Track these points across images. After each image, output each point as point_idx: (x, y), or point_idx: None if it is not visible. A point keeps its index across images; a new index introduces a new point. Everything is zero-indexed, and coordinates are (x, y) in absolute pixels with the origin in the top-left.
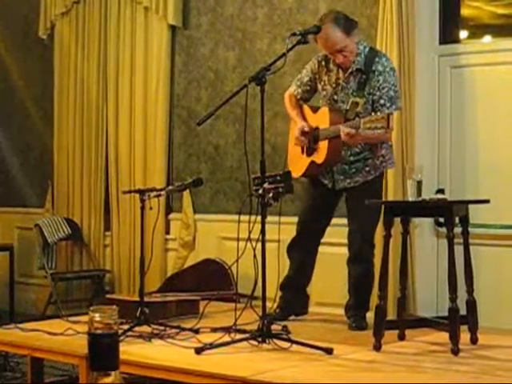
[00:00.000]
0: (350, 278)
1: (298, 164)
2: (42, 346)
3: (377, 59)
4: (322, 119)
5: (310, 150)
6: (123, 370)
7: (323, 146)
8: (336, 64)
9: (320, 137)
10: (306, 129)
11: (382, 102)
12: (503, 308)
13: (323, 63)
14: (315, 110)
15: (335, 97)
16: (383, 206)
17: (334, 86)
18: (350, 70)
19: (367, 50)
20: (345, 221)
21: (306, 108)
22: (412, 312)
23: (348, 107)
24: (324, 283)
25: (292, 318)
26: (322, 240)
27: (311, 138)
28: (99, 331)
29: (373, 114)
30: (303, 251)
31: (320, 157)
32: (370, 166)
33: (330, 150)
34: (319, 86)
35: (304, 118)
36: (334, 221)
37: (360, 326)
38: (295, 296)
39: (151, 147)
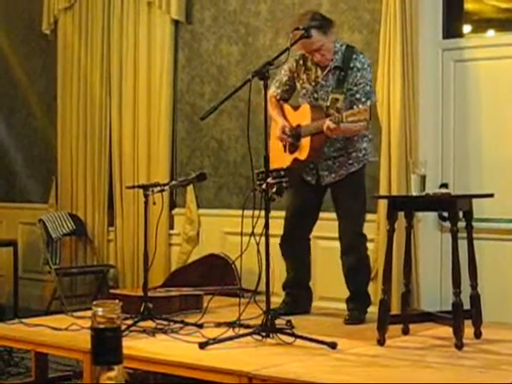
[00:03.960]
0: (343, 271)
1: (280, 161)
2: (46, 342)
3: (354, 56)
4: (303, 116)
5: (293, 148)
6: (127, 365)
7: (305, 142)
8: (314, 62)
9: (302, 134)
10: (287, 128)
11: (357, 96)
12: (507, 302)
13: (301, 62)
14: (296, 108)
15: (315, 95)
16: (387, 201)
17: (313, 84)
18: (328, 68)
19: (344, 47)
20: None
21: (286, 107)
22: (416, 306)
23: (329, 104)
24: (327, 277)
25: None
26: (325, 234)
27: (293, 136)
28: (102, 326)
29: (355, 107)
30: (297, 250)
31: (303, 153)
32: (352, 159)
33: (313, 146)
34: (298, 85)
35: (285, 117)
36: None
37: (353, 320)
38: (299, 293)
39: (155, 142)
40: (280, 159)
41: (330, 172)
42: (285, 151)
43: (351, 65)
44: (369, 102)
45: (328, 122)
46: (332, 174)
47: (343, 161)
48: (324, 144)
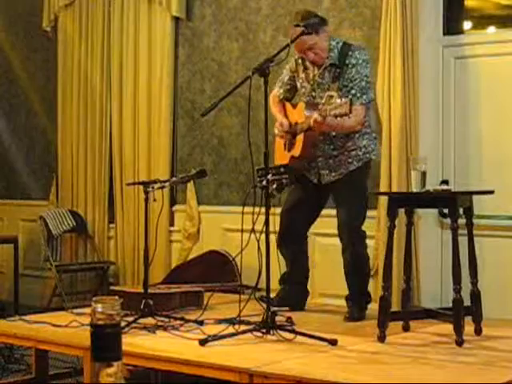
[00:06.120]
0: (343, 269)
1: (283, 158)
2: (46, 338)
3: (350, 53)
4: (299, 114)
5: (290, 146)
6: (128, 362)
7: (299, 139)
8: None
9: (297, 131)
10: (286, 125)
11: (353, 92)
12: (507, 299)
13: (300, 61)
14: (295, 106)
15: (313, 93)
16: (388, 198)
17: (311, 83)
18: (323, 66)
19: (340, 44)
20: None
21: (287, 105)
22: (416, 303)
23: (324, 101)
24: (327, 274)
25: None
26: (324, 231)
27: (290, 134)
28: (101, 322)
29: (337, 100)
30: (292, 246)
31: (297, 150)
32: (352, 158)
33: (305, 142)
34: (298, 84)
35: (286, 115)
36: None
37: (352, 317)
38: (292, 288)
39: (155, 139)
40: (283, 157)
41: (330, 171)
42: (285, 149)
43: (346, 61)
44: (364, 98)
45: (315, 116)
46: (332, 173)
47: (343, 159)
48: (317, 141)
